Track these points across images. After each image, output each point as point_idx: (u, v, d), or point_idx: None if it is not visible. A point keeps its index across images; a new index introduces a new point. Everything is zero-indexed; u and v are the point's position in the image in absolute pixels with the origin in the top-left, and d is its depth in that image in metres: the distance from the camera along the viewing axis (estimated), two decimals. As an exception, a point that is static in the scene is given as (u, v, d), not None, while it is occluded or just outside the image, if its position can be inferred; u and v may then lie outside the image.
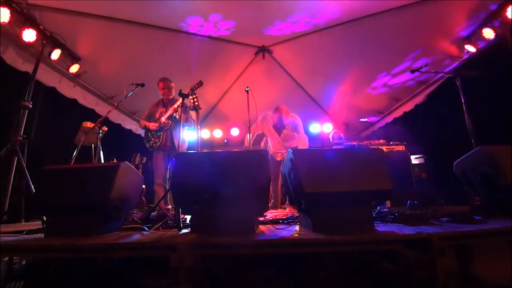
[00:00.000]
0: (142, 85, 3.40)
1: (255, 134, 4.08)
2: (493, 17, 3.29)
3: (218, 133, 7.12)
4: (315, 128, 6.84)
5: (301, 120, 3.99)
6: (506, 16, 3.13)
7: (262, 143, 4.40)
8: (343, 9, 3.51)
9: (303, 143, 3.97)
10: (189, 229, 1.83)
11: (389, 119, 5.92)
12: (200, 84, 2.85)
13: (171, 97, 3.68)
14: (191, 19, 3.63)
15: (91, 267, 1.80)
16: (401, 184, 3.36)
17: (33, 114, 3.59)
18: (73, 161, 3.20)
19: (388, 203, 3.10)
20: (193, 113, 3.43)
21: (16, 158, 2.42)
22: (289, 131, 3.90)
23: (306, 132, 6.97)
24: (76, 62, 3.82)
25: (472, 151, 2.21)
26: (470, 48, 3.66)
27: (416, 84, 4.77)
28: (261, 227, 1.95)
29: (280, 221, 2.18)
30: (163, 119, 3.49)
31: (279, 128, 3.88)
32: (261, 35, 4.15)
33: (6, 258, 1.74)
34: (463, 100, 2.94)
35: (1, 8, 2.81)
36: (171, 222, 2.15)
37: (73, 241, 1.53)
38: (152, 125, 3.50)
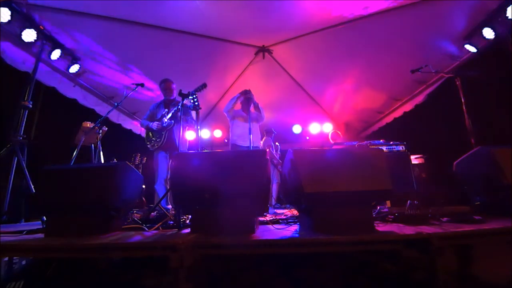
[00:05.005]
0: (142, 85, 3.41)
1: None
2: (493, 17, 3.30)
3: (218, 133, 7.15)
4: (315, 128, 6.84)
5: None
6: (506, 16, 3.13)
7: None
8: (343, 9, 3.51)
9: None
10: (189, 229, 1.83)
11: (389, 119, 5.92)
12: (204, 86, 2.86)
13: (172, 97, 3.70)
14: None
15: (91, 267, 1.81)
16: (401, 184, 3.36)
17: (33, 114, 3.59)
18: (73, 161, 3.20)
19: (388, 203, 3.10)
20: (193, 113, 3.44)
21: (16, 158, 2.42)
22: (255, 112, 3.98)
23: (307, 132, 7.04)
24: (76, 62, 3.83)
25: (472, 151, 2.21)
26: (470, 48, 3.66)
27: (416, 84, 4.77)
28: (261, 227, 1.95)
29: (280, 221, 2.19)
30: (165, 119, 3.50)
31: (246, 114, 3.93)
32: (261, 35, 4.15)
33: (6, 258, 1.74)
34: (463, 100, 2.94)
35: (1, 8, 2.81)
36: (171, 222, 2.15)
37: (73, 241, 1.53)
38: (156, 125, 3.52)
